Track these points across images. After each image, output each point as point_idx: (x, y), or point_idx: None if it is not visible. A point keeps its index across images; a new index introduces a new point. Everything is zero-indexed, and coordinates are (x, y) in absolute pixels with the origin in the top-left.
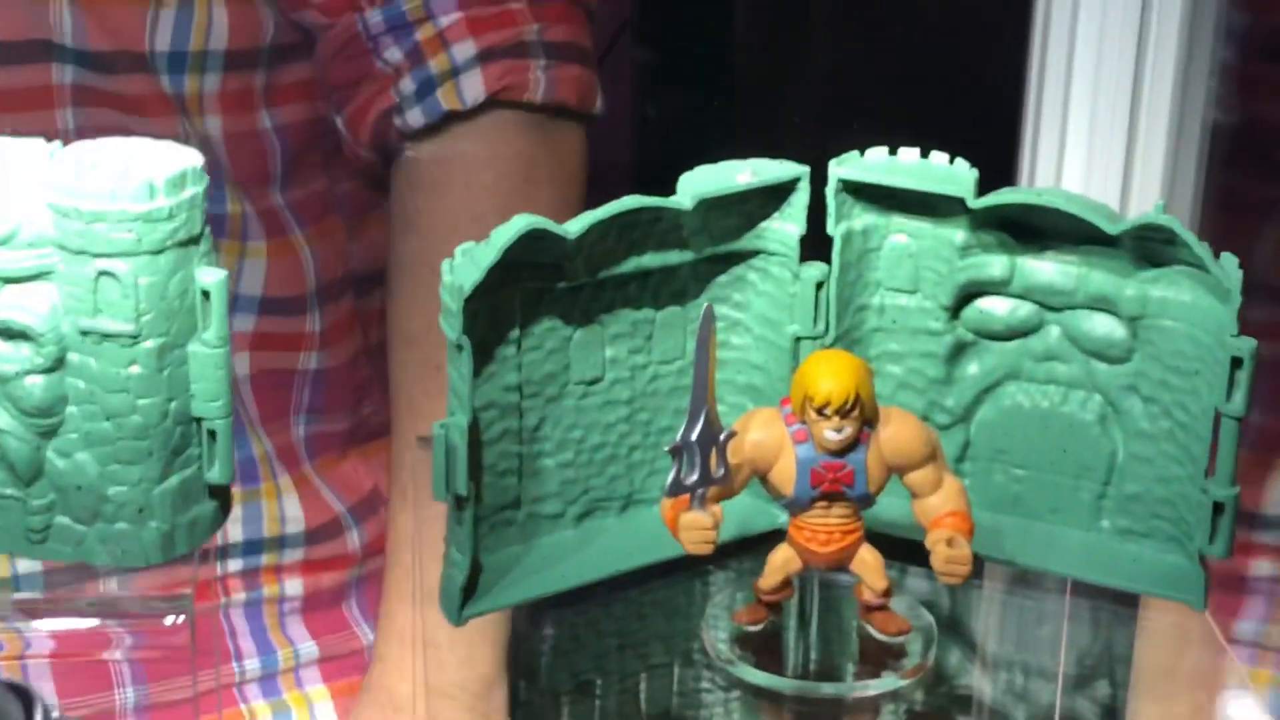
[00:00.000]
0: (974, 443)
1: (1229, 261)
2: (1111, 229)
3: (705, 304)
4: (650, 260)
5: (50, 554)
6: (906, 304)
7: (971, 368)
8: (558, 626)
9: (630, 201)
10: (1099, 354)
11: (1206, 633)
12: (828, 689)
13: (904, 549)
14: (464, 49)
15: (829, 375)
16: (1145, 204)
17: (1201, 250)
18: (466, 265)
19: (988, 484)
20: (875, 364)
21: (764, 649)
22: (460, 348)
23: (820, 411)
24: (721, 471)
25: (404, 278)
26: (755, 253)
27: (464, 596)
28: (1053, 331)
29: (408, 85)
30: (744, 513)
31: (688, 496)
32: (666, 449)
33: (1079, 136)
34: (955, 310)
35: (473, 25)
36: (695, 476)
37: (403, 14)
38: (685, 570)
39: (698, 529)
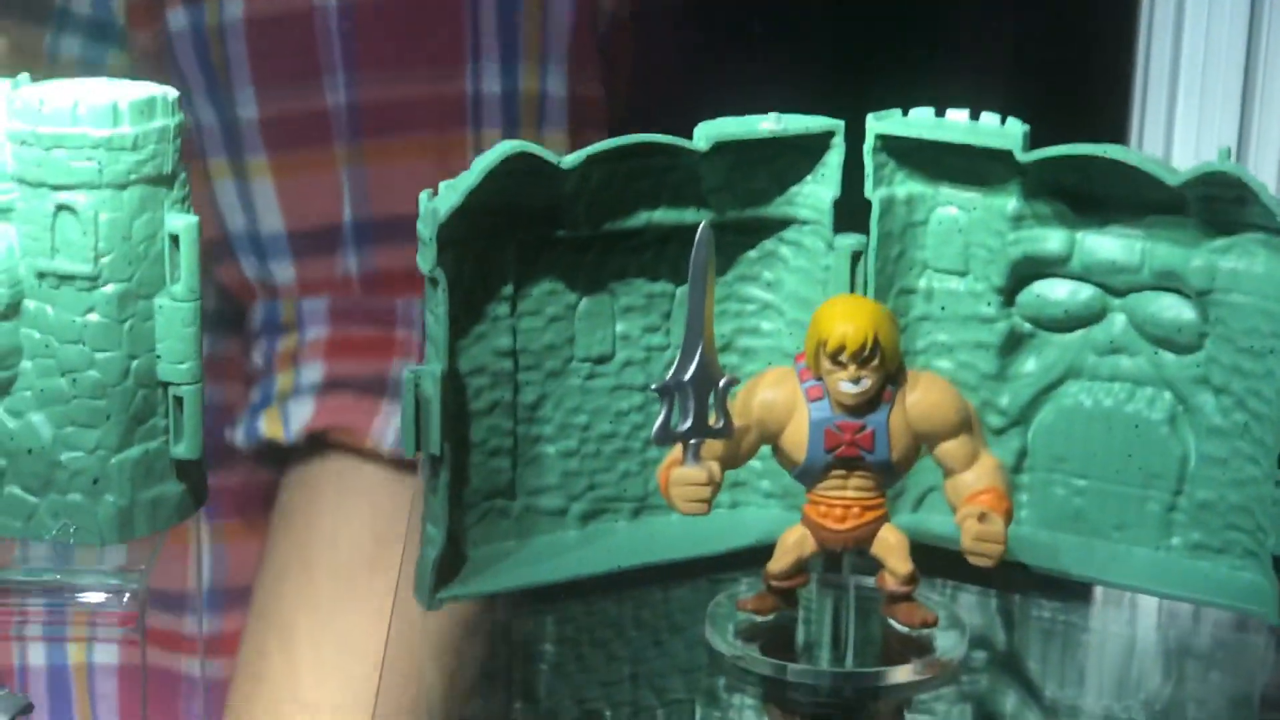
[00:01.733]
0: (1032, 450)
1: None
2: (1173, 179)
3: (703, 225)
4: (664, 217)
5: None
6: (957, 288)
7: (1029, 364)
8: (546, 625)
9: (636, 138)
10: (1167, 341)
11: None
12: (839, 680)
13: (952, 566)
14: (311, 372)
15: (845, 317)
16: None
17: (1271, 202)
18: (447, 193)
19: (1047, 498)
20: (922, 359)
21: (773, 641)
22: (435, 282)
23: (835, 359)
24: (721, 423)
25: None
26: (786, 223)
27: (437, 576)
28: (1117, 320)
29: (254, 395)
30: (770, 524)
31: (680, 451)
32: (654, 387)
33: (1189, 117)
34: (1010, 295)
35: (332, 348)
36: (688, 424)
37: (277, 314)
38: (700, 573)
39: (689, 484)
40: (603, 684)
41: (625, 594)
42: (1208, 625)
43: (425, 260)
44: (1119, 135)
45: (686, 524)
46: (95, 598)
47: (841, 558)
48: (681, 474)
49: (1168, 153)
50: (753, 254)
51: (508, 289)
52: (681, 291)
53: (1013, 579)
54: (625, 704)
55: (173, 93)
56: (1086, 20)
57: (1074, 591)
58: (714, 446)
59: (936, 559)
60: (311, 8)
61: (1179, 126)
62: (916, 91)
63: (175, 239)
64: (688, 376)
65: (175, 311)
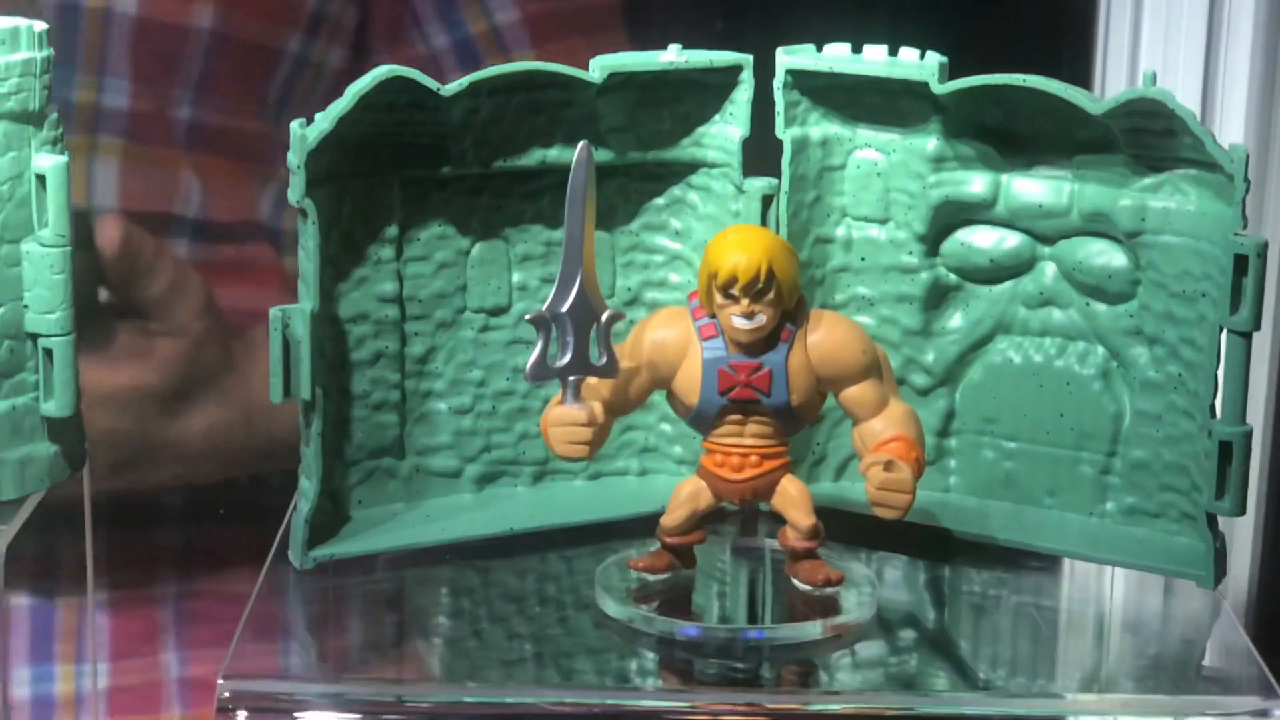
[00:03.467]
0: (960, 412)
1: (1236, 149)
2: (1097, 108)
3: (581, 144)
4: (561, 156)
5: None
6: (877, 236)
7: (955, 318)
8: (433, 590)
9: (522, 65)
10: (1098, 290)
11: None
12: (735, 637)
13: (878, 535)
14: None
15: (737, 247)
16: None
17: (1200, 131)
18: (319, 120)
19: (976, 462)
20: (843, 314)
21: (666, 601)
22: (304, 214)
23: (726, 292)
24: (604, 360)
25: None
26: (693, 167)
27: (312, 532)
28: (1046, 269)
29: None
30: None
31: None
32: (527, 318)
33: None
34: (933, 243)
35: None
36: (566, 359)
37: None
38: (606, 540)
39: (568, 424)
40: (490, 649)
41: (522, 560)
42: (1140, 591)
43: (294, 190)
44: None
45: (591, 490)
46: None
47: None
48: (560, 413)
49: None
50: (660, 201)
51: (392, 230)
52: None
53: (942, 548)
54: (513, 667)
55: (40, 25)
56: None
57: (1005, 559)
58: (599, 388)
59: (861, 528)
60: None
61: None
62: (844, 32)
63: (42, 180)
64: (565, 307)
65: (43, 258)
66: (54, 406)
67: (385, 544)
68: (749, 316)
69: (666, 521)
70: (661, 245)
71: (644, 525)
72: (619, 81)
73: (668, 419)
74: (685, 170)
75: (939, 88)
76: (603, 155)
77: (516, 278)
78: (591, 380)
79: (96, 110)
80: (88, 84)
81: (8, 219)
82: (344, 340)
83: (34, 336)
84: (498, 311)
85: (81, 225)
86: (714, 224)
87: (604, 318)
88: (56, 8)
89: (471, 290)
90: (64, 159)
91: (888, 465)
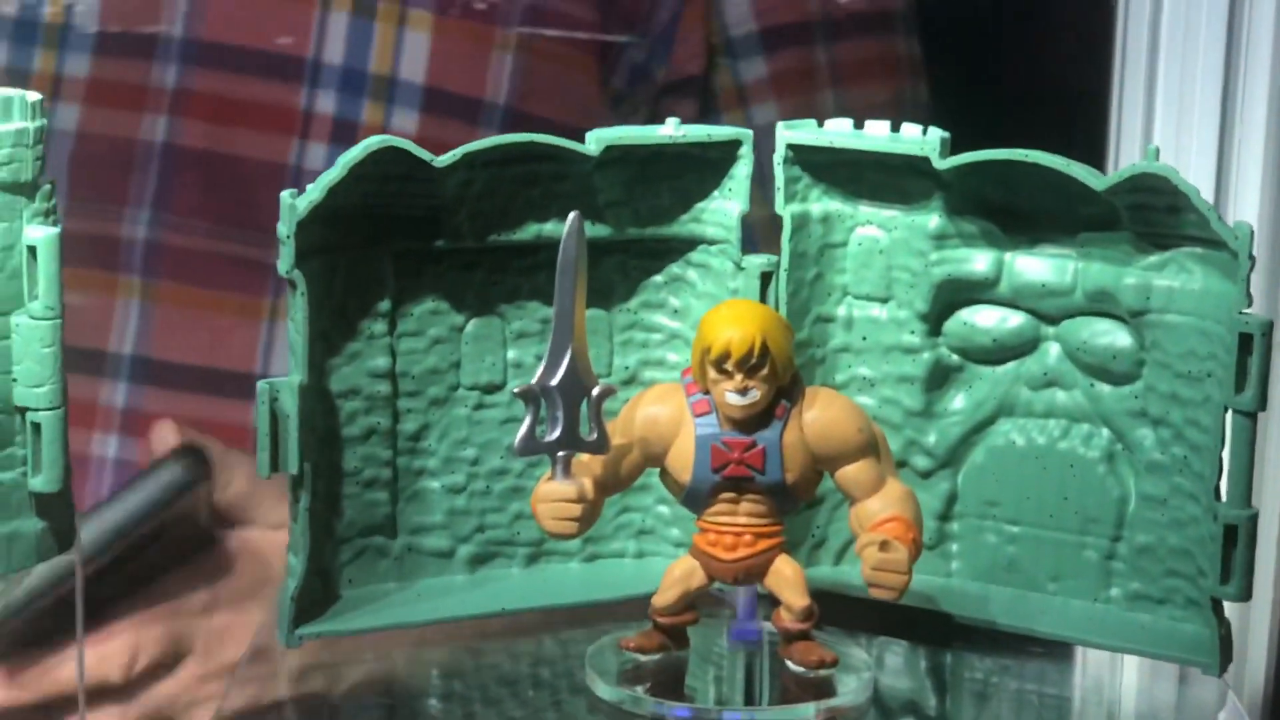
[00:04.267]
0: (962, 495)
1: (1240, 226)
2: (1100, 184)
3: (572, 215)
4: (556, 230)
5: None
6: (879, 316)
7: (958, 400)
8: (422, 669)
9: (516, 137)
10: (1103, 371)
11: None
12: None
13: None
14: None
15: (730, 321)
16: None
17: (1205, 208)
18: (310, 189)
19: (978, 546)
20: (844, 394)
21: (658, 683)
22: (294, 285)
23: (720, 367)
24: (595, 436)
25: None
26: (692, 243)
27: (297, 609)
28: (1050, 349)
29: None
30: None
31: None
32: (515, 391)
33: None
34: (935, 323)
35: None
36: (556, 434)
37: None
38: (600, 622)
39: (558, 500)
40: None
41: (515, 641)
42: (1145, 678)
43: (284, 261)
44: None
45: (586, 571)
46: None
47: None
48: (549, 489)
49: None
50: (658, 278)
51: (385, 304)
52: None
53: (943, 633)
54: None
55: (35, 95)
56: (1059, 36)
57: (1007, 645)
58: (590, 464)
59: (861, 613)
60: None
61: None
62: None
63: (34, 251)
64: (555, 381)
65: (33, 330)
66: (42, 482)
67: (375, 623)
68: (742, 392)
69: (658, 601)
70: (660, 324)
71: (640, 607)
72: (616, 155)
73: (665, 500)
74: (684, 246)
75: (940, 163)
76: (600, 231)
77: (511, 355)
78: (583, 457)
79: None
80: None
81: None
82: (335, 415)
83: (22, 410)
84: (492, 389)
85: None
86: (713, 301)
87: (595, 392)
88: None
89: (465, 367)
90: (56, 230)
91: (883, 545)
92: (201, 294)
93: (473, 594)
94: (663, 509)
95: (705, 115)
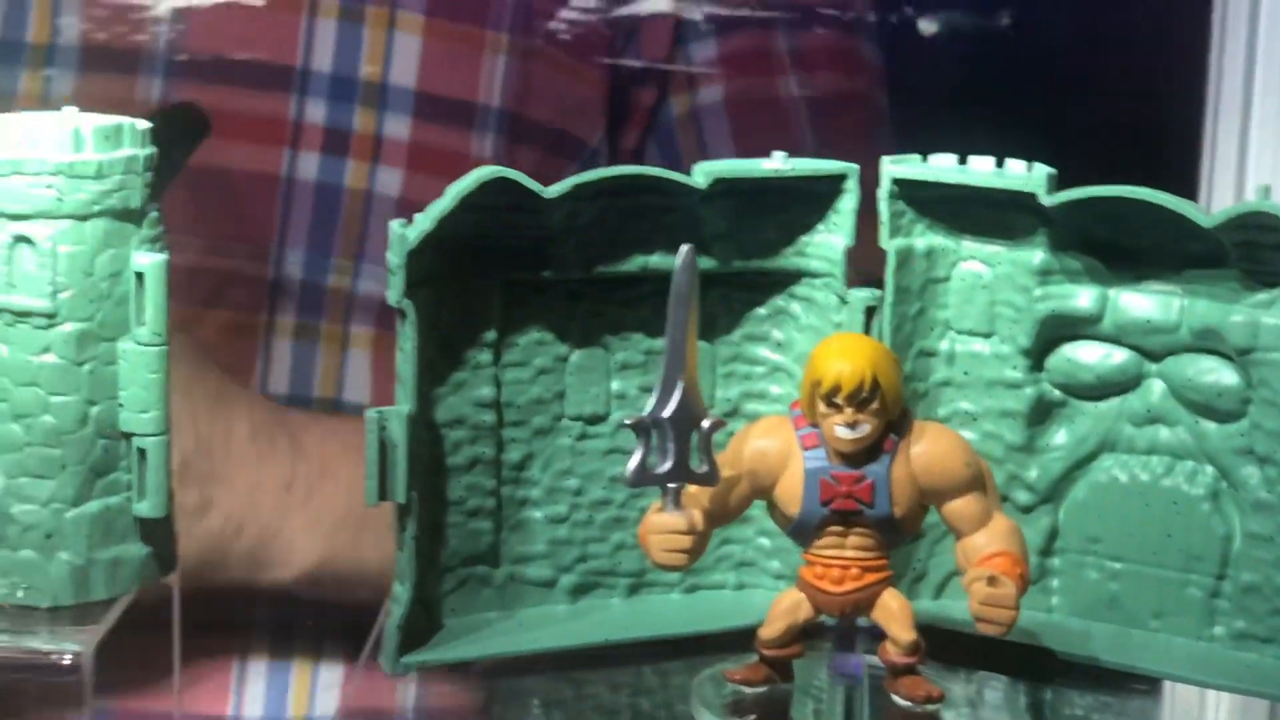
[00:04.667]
0: (1063, 531)
1: None
2: (1208, 222)
3: (685, 248)
4: (661, 263)
5: None
6: (981, 350)
7: (1059, 435)
8: (526, 699)
9: (625, 169)
10: (1208, 409)
11: None
12: None
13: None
14: None
15: (841, 355)
16: None
17: None
18: (420, 219)
19: (1079, 583)
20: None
21: (763, 715)
22: (403, 314)
23: (830, 401)
24: (706, 469)
25: None
26: (796, 276)
27: (403, 638)
28: (1154, 386)
29: None
30: None
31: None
32: (627, 423)
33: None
34: (1038, 358)
35: None
36: (667, 466)
37: None
38: (700, 653)
39: (668, 532)
40: None
41: (616, 671)
42: (1248, 717)
43: (393, 291)
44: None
45: (686, 603)
46: (39, 663)
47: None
48: (659, 520)
49: None
50: (761, 311)
51: (491, 334)
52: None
53: (1044, 669)
54: None
55: (143, 123)
56: (1153, 68)
57: (1108, 682)
58: (699, 496)
59: (963, 647)
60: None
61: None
62: (949, 143)
63: (141, 278)
64: (667, 413)
65: (139, 356)
66: (147, 507)
67: (478, 652)
68: (852, 426)
69: (765, 633)
70: (763, 356)
71: (740, 639)
72: (723, 188)
73: (765, 532)
74: (788, 280)
75: (1048, 199)
76: (705, 263)
77: (615, 386)
78: (691, 488)
79: None
80: None
81: (106, 317)
82: (440, 445)
83: (128, 435)
84: (596, 420)
85: None
86: (816, 335)
87: (705, 425)
88: None
89: (570, 397)
90: (163, 257)
91: (991, 580)
92: (196, 312)
93: (574, 624)
94: (763, 541)
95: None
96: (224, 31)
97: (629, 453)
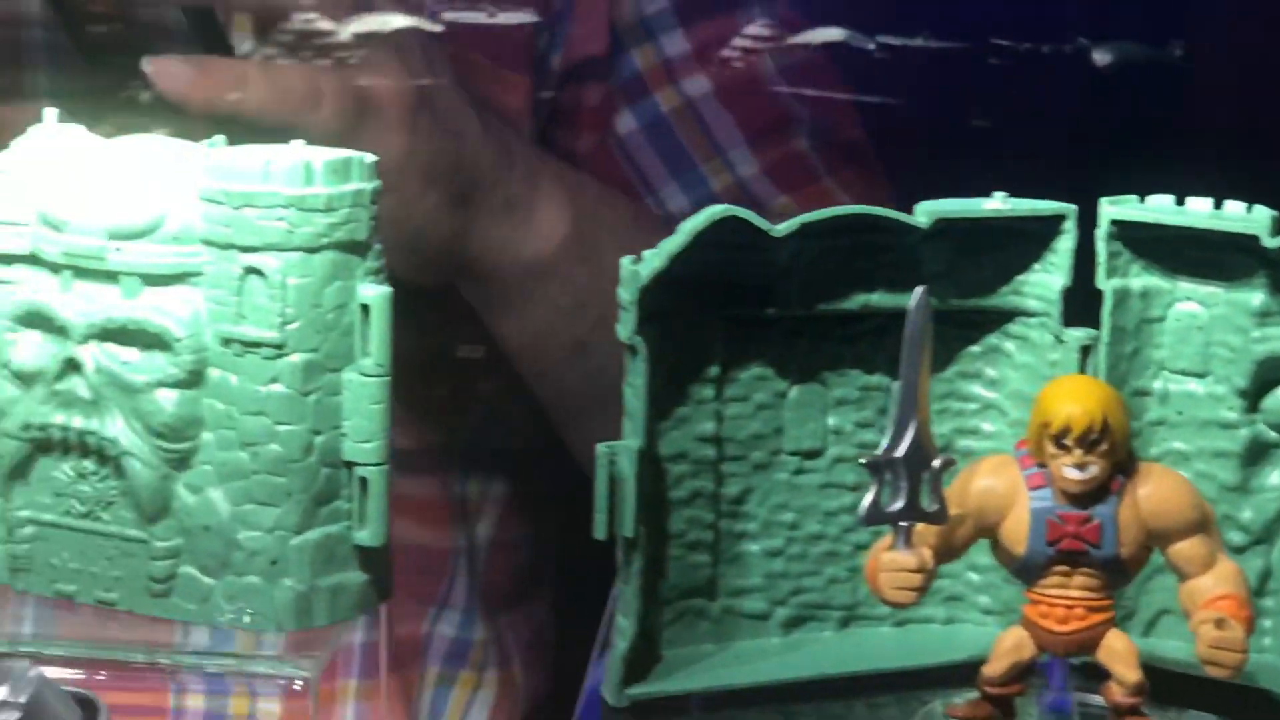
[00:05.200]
0: (1276, 571)
1: None
2: None
3: (919, 289)
4: (882, 301)
5: (172, 611)
6: (1195, 390)
7: (1274, 476)
8: None
9: (853, 209)
10: None
11: None
12: None
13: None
14: None
15: (1071, 397)
16: None
17: None
18: (651, 257)
19: None
20: None
21: None
22: (634, 350)
23: (1059, 442)
24: (935, 507)
25: None
26: (1011, 315)
27: (626, 670)
28: None
29: None
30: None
31: (890, 538)
32: (863, 462)
33: None
34: (1254, 399)
35: None
36: (900, 505)
37: None
38: (908, 688)
39: (900, 570)
40: None
41: (828, 704)
42: None
43: (625, 327)
44: None
45: (897, 636)
46: (264, 687)
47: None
48: (892, 558)
49: None
50: (975, 349)
51: (714, 370)
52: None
53: (1260, 710)
54: None
55: (370, 157)
56: None
57: None
58: (926, 534)
59: (1173, 686)
60: None
61: None
62: (1158, 182)
63: (366, 310)
64: (900, 453)
65: (363, 387)
66: (367, 535)
67: (697, 685)
68: (1081, 467)
69: (989, 671)
70: (975, 393)
71: (949, 674)
72: (941, 227)
73: (974, 567)
74: (1002, 318)
75: (1271, 242)
76: None
77: (832, 421)
78: (919, 526)
79: None
80: None
81: (332, 348)
82: (663, 479)
83: (350, 465)
84: (812, 454)
85: None
86: (1030, 373)
87: (936, 464)
88: None
89: (788, 432)
90: (388, 290)
91: (1219, 623)
92: None
93: (788, 657)
94: (972, 576)
95: (620, 99)
96: None
97: (844, 487)
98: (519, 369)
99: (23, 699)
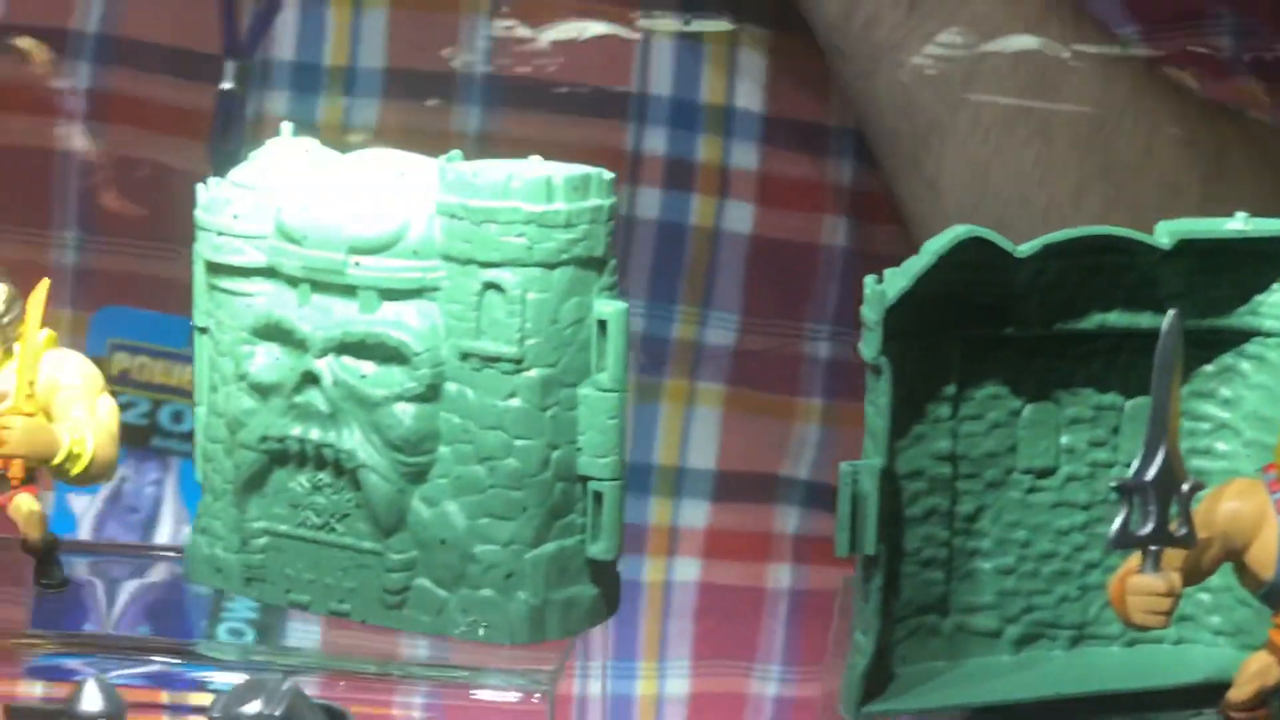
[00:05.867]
0: None
1: None
2: None
3: (1171, 312)
4: (1118, 321)
5: (406, 623)
6: None
7: None
8: None
9: (1098, 230)
10: None
11: None
12: None
13: None
14: None
15: None
16: None
17: None
18: (895, 277)
19: None
20: None
21: None
22: (878, 370)
23: None
24: (1184, 531)
25: None
26: (1247, 335)
27: (865, 687)
28: None
29: None
30: (1219, 664)
31: (1138, 559)
32: (1113, 485)
33: None
34: None
35: None
36: (1149, 528)
37: None
38: (1139, 709)
39: (1148, 594)
40: None
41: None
42: None
43: (869, 347)
44: None
45: (1127, 656)
46: (500, 698)
47: None
48: (1141, 582)
49: None
50: (1209, 368)
51: (950, 389)
52: (1131, 406)
53: None
54: None
55: (608, 174)
56: None
57: None
58: (1173, 557)
59: None
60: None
61: None
62: None
63: (603, 325)
64: (1150, 476)
65: (599, 402)
66: (600, 549)
67: (932, 703)
68: None
69: (1234, 696)
70: (1209, 413)
71: (1180, 697)
72: (1180, 247)
73: (1206, 588)
74: (1238, 338)
75: None
76: (1158, 321)
77: (1065, 440)
78: (1166, 550)
79: None
80: None
81: (569, 363)
82: (899, 496)
83: (584, 479)
84: (1045, 473)
85: None
86: (1265, 394)
87: (1186, 487)
88: None
89: (1021, 451)
90: (624, 305)
91: None
92: None
93: (1019, 676)
94: (1204, 596)
95: None
96: (150, 16)
97: (1076, 506)
98: None
99: (278, 712)
